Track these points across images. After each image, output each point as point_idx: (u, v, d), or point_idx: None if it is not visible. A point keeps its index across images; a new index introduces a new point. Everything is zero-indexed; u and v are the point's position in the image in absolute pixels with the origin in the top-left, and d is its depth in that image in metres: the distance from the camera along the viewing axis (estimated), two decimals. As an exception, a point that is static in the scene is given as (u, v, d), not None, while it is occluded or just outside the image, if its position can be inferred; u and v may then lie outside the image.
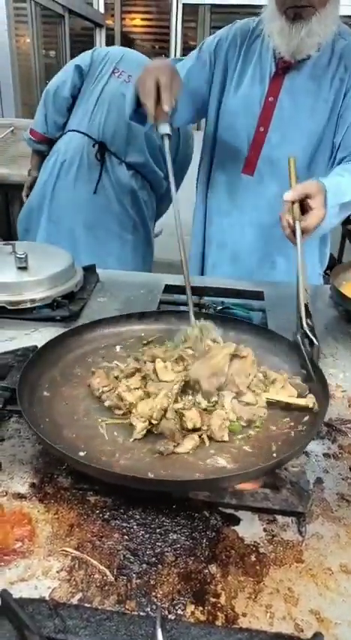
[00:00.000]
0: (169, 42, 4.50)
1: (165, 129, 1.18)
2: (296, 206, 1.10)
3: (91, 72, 2.09)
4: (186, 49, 4.70)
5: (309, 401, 0.82)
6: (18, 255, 1.27)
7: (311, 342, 0.94)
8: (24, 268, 1.28)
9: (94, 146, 2.02)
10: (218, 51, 1.57)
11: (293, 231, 1.11)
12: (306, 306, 0.99)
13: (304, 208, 1.12)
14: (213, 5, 4.42)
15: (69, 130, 2.09)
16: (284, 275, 1.56)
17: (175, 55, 4.50)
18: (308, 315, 0.98)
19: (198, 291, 1.48)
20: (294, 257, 1.09)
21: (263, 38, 1.49)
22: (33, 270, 1.28)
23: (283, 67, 1.48)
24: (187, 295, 1.08)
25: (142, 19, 4.88)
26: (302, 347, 0.93)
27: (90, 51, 2.17)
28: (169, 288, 1.47)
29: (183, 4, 4.34)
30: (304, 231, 1.10)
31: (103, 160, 2.03)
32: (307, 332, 0.95)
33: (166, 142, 1.18)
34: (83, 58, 2.11)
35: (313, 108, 1.49)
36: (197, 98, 1.59)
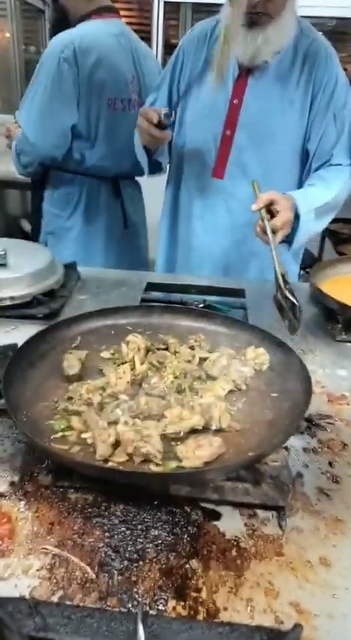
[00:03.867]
0: (151, 39, 4.49)
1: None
2: (263, 210, 1.19)
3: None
4: (167, 47, 4.69)
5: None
6: (-3, 252, 1.25)
7: (292, 304, 1.03)
8: (3, 265, 1.26)
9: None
10: (180, 59, 1.59)
11: (264, 231, 1.17)
12: (283, 275, 1.08)
13: (272, 214, 1.21)
14: (194, 4, 4.43)
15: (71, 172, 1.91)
16: (258, 278, 1.58)
17: (155, 52, 4.49)
18: (286, 282, 1.06)
19: (180, 289, 1.49)
20: (267, 260, 1.16)
21: None
22: (12, 267, 1.27)
23: (246, 69, 1.47)
24: None
25: (124, 16, 4.84)
26: (283, 303, 1.04)
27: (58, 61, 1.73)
28: (150, 286, 1.47)
29: (164, 1, 4.33)
30: (273, 230, 1.18)
31: (121, 194, 1.96)
32: (287, 294, 1.04)
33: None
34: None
35: (280, 110, 1.49)
36: None
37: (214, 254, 1.66)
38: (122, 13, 4.77)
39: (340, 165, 1.49)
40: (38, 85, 1.77)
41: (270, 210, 1.21)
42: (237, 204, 1.57)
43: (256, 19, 1.34)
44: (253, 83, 1.48)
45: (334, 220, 3.73)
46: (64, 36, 1.79)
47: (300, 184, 1.56)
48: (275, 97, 1.48)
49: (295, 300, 1.02)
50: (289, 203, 1.25)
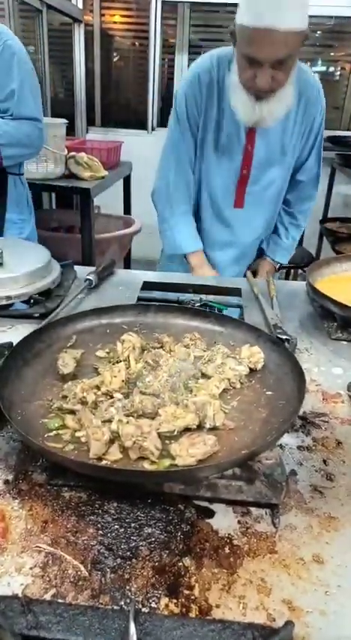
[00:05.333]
0: (149, 39, 4.49)
1: None
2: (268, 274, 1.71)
3: None
4: (165, 47, 4.70)
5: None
6: (-7, 252, 1.25)
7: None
8: (0, 264, 1.26)
9: None
10: (192, 111, 1.67)
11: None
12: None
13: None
14: (192, 3, 4.43)
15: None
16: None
17: (153, 51, 4.49)
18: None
19: (177, 288, 1.49)
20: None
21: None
22: (9, 267, 1.27)
23: None
24: None
25: (122, 16, 4.85)
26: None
27: None
28: (147, 285, 1.47)
29: (162, 1, 4.33)
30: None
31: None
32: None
33: None
34: None
35: (283, 143, 1.70)
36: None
37: (238, 264, 1.95)
38: (120, 12, 4.81)
39: (302, 182, 1.85)
40: (26, 76, 1.81)
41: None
42: (257, 222, 1.89)
43: (262, 95, 1.48)
44: (261, 130, 1.65)
45: (332, 220, 3.74)
46: None
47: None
48: (279, 136, 1.68)
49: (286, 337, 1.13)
50: (265, 265, 1.94)
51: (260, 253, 2.00)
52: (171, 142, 1.75)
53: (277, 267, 1.99)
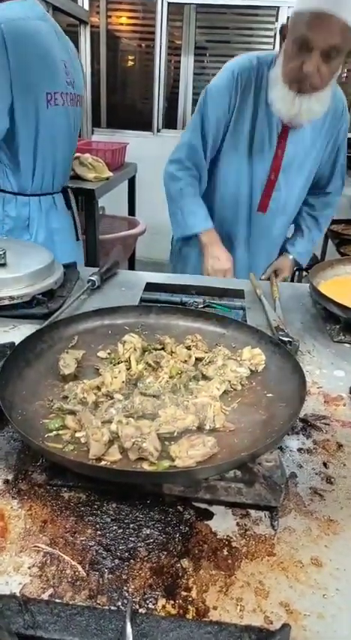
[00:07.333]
0: (155, 40, 4.50)
1: None
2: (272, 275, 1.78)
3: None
4: (171, 48, 4.71)
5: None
6: (-4, 252, 1.26)
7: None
8: (3, 265, 1.27)
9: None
10: (223, 107, 1.67)
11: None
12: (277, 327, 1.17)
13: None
14: (198, 4, 4.44)
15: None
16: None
17: (159, 53, 4.50)
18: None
19: (180, 290, 1.49)
20: None
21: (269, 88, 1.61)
22: (12, 267, 1.27)
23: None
24: None
25: (128, 17, 4.87)
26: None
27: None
28: (150, 286, 1.47)
29: (168, 2, 4.34)
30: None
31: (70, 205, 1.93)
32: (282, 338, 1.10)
33: None
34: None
35: (310, 153, 1.77)
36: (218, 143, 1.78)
37: (251, 268, 1.90)
38: (126, 14, 4.82)
39: (329, 193, 1.96)
40: None
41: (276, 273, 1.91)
42: (276, 232, 1.94)
43: (304, 89, 1.49)
44: (292, 133, 1.70)
45: (337, 222, 3.74)
46: None
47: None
48: (306, 142, 1.74)
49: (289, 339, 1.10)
50: (288, 269, 2.00)
51: (280, 252, 2.04)
52: (189, 130, 1.75)
53: (295, 268, 2.13)
